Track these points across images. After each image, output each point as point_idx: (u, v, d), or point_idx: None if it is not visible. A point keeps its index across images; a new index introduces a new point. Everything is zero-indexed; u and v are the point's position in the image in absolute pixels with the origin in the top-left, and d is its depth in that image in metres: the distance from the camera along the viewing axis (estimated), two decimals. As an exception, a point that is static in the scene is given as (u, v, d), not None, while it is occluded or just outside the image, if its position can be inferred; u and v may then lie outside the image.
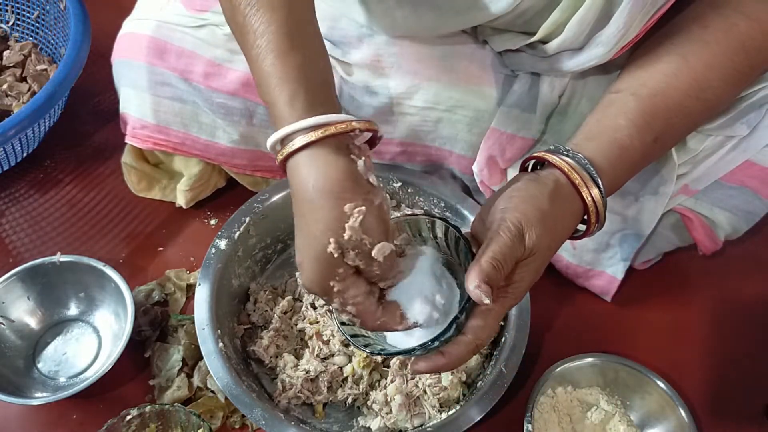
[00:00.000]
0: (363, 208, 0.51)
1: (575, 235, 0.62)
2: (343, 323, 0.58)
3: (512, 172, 0.81)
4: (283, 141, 0.53)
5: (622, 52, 0.68)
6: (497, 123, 0.77)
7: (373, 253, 0.52)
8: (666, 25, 0.67)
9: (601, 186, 0.59)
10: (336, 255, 0.51)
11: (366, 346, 0.58)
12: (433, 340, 0.53)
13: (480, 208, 0.61)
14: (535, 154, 0.62)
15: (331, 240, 0.51)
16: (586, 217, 0.60)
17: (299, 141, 0.51)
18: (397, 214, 0.60)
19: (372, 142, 0.56)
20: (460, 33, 0.78)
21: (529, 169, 0.64)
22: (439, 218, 0.59)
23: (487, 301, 0.51)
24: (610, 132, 0.62)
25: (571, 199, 0.59)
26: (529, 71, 0.77)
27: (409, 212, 0.61)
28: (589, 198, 0.58)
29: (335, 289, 0.53)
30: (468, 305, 0.54)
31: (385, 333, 0.59)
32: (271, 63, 0.53)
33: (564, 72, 0.74)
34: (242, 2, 0.55)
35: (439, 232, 0.60)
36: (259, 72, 0.54)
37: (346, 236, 0.50)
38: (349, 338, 0.58)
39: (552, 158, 0.60)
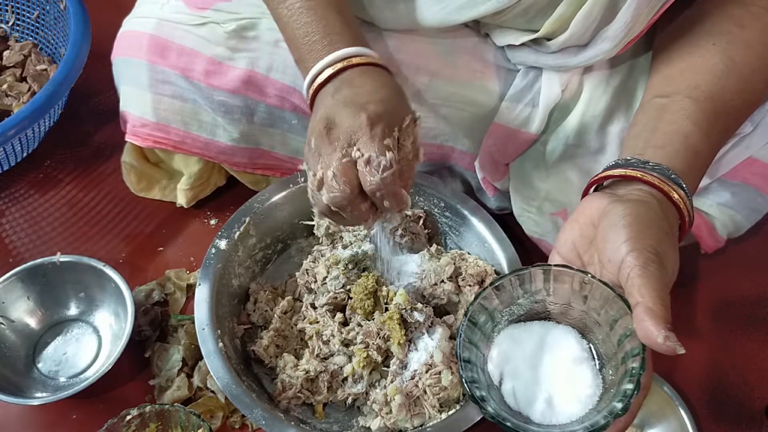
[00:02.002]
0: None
1: None
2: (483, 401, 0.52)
3: (515, 168, 0.80)
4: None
5: (629, 46, 0.68)
6: (499, 118, 0.77)
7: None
8: (693, 22, 0.67)
9: (687, 190, 0.57)
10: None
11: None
12: (622, 410, 0.49)
13: (557, 250, 0.57)
14: (609, 173, 0.58)
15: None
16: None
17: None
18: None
19: None
20: (462, 27, 0.78)
21: (591, 191, 0.60)
22: (578, 270, 0.53)
23: (681, 350, 0.47)
24: (680, 138, 0.60)
25: (671, 209, 0.56)
26: (533, 66, 0.76)
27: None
28: (684, 205, 0.56)
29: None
30: (641, 361, 0.49)
31: (524, 413, 0.54)
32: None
33: (569, 68, 0.74)
34: None
35: (554, 281, 0.55)
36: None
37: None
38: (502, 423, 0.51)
39: (635, 173, 0.56)
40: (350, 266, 0.77)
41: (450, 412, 0.71)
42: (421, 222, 0.84)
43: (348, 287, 0.77)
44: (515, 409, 0.54)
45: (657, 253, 0.50)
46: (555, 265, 0.54)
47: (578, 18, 0.66)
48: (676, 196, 0.55)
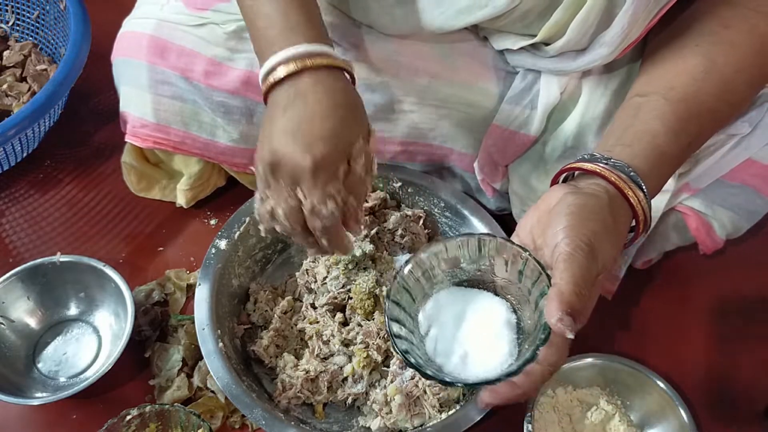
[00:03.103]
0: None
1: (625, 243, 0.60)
2: (406, 352, 0.55)
3: (514, 170, 0.80)
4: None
5: (626, 51, 0.68)
6: (498, 120, 0.77)
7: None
8: (682, 24, 0.67)
9: (646, 191, 0.57)
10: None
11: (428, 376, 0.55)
12: (517, 370, 0.52)
13: (517, 232, 0.60)
14: (573, 165, 0.60)
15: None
16: (633, 224, 0.59)
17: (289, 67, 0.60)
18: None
19: None
20: (461, 30, 0.78)
21: (560, 181, 0.62)
22: (518, 246, 0.56)
23: (570, 335, 0.49)
24: (648, 137, 0.60)
25: (624, 207, 0.57)
26: (531, 69, 0.77)
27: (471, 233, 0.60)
28: (638, 205, 0.57)
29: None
30: (546, 335, 0.52)
31: (438, 361, 0.57)
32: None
33: (567, 72, 0.74)
34: None
35: (495, 252, 0.58)
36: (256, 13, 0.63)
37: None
38: (417, 369, 0.55)
39: (594, 167, 0.58)
40: (350, 266, 0.77)
41: (450, 412, 0.71)
42: (421, 222, 0.84)
43: (348, 287, 0.77)
44: (432, 357, 0.58)
45: (589, 243, 0.52)
46: (489, 235, 0.58)
47: (575, 23, 0.66)
48: (630, 193, 0.56)
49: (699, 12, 0.66)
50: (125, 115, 0.83)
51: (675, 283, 0.89)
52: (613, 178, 0.57)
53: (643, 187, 0.57)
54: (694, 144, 0.64)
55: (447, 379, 0.55)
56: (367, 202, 0.79)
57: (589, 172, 0.58)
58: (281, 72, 0.60)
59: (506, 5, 0.67)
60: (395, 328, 0.57)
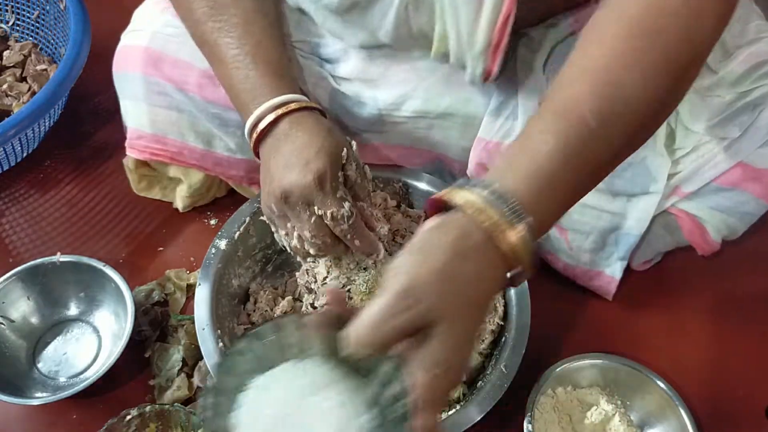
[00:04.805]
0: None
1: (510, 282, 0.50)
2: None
3: None
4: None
5: (496, 59, 0.70)
6: (483, 132, 0.78)
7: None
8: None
9: (529, 222, 0.47)
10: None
11: None
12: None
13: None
14: (436, 196, 0.51)
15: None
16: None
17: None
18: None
19: None
20: None
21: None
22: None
23: (344, 351, 0.45)
24: (534, 161, 0.50)
25: (483, 246, 0.47)
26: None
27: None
28: (507, 246, 0.47)
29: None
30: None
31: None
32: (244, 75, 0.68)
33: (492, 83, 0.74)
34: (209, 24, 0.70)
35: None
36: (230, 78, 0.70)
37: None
38: None
39: (453, 197, 0.48)
40: (350, 266, 0.77)
41: (450, 412, 0.71)
42: (421, 222, 0.83)
43: (348, 287, 0.77)
44: None
45: (398, 291, 0.45)
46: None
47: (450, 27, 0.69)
48: (487, 223, 0.47)
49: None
50: (125, 127, 0.85)
51: (675, 283, 0.89)
52: (470, 211, 0.47)
53: (526, 219, 0.47)
54: (593, 160, 0.52)
55: None
56: (374, 206, 0.78)
57: (448, 204, 0.50)
58: (262, 125, 0.66)
59: (391, 28, 0.72)
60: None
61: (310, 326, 0.49)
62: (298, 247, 0.68)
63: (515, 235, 0.47)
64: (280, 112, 0.66)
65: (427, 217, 0.52)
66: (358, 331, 0.45)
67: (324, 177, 0.64)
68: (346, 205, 0.65)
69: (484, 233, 0.47)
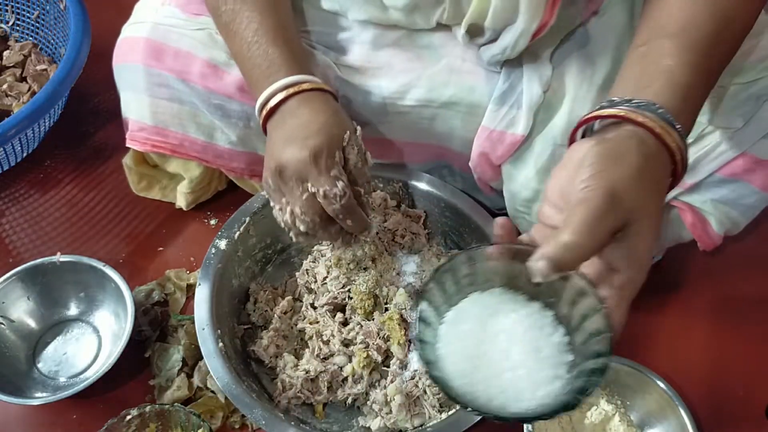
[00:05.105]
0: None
1: None
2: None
3: (506, 169, 0.80)
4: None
5: (547, 25, 0.70)
6: (486, 121, 0.77)
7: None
8: None
9: (679, 128, 0.53)
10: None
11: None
12: (561, 408, 0.45)
13: (547, 196, 0.55)
14: (593, 114, 0.55)
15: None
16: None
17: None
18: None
19: None
20: (449, 30, 0.78)
21: (580, 136, 0.57)
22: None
23: (538, 278, 0.46)
24: (665, 75, 0.57)
25: (657, 148, 0.52)
26: (498, 62, 0.77)
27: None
28: (674, 144, 0.52)
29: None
30: (601, 366, 0.45)
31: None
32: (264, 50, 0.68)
33: (512, 56, 0.74)
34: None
35: None
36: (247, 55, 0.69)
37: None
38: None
39: (617, 111, 0.53)
40: (350, 266, 0.77)
41: (450, 412, 0.71)
42: (421, 222, 0.84)
43: (348, 287, 0.77)
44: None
45: (609, 188, 0.48)
46: (510, 245, 0.51)
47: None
48: (662, 132, 0.52)
49: None
50: (126, 120, 0.84)
51: (675, 283, 0.89)
52: (640, 119, 0.52)
53: (675, 125, 0.53)
54: (714, 71, 0.60)
55: (470, 408, 0.47)
56: (371, 195, 0.79)
57: (611, 118, 0.54)
58: (271, 104, 0.67)
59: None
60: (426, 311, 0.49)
61: (489, 258, 0.51)
62: (290, 223, 0.67)
63: (677, 136, 0.53)
64: (292, 90, 0.67)
65: (572, 142, 0.57)
66: (573, 236, 0.47)
67: (320, 154, 0.64)
68: (340, 184, 0.64)
69: (656, 137, 0.52)
